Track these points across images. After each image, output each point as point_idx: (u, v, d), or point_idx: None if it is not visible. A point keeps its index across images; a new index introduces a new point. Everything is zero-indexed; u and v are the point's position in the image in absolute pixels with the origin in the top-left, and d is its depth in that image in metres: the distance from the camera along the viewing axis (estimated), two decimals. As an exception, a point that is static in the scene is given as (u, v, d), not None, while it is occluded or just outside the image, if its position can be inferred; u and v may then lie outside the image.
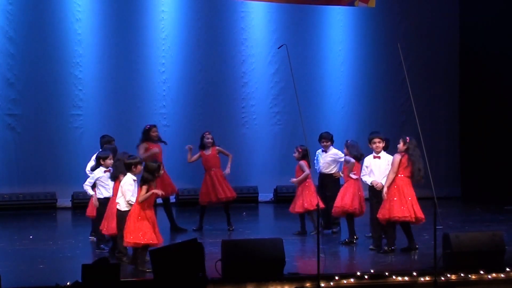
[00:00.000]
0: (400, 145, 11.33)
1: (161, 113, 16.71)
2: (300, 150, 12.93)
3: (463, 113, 18.14)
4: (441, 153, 17.95)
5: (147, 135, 13.18)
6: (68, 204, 16.08)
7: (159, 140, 13.25)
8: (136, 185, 10.37)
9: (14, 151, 16.04)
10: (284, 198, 17.07)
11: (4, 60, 15.93)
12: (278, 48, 14.27)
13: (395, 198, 11.15)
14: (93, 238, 12.22)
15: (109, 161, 11.44)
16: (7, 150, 16.01)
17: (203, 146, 13.33)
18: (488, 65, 17.40)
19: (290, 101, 16.80)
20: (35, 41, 16.02)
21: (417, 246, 11.28)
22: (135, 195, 10.28)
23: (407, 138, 11.36)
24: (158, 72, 16.71)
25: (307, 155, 12.78)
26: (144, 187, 10.06)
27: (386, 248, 11.21)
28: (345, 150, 12.42)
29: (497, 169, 17.18)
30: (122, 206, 10.46)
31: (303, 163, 12.86)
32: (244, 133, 17.18)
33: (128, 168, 10.49)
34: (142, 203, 10.05)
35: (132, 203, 10.25)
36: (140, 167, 10.46)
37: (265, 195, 17.20)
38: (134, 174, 10.47)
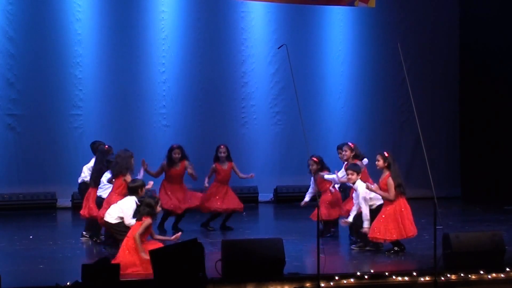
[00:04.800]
0: (380, 162, 11.21)
1: (161, 113, 16.71)
2: (316, 160, 12.60)
3: (463, 113, 18.14)
4: (441, 153, 17.95)
5: (169, 156, 13.18)
6: (68, 204, 16.08)
7: (180, 159, 13.15)
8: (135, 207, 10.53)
9: (14, 151, 16.04)
10: (284, 198, 17.10)
11: (4, 60, 15.92)
12: (278, 48, 14.26)
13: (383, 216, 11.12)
14: (86, 238, 12.27)
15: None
16: (7, 150, 16.01)
17: (217, 159, 13.36)
18: (488, 64, 17.40)
19: (290, 101, 16.80)
20: (35, 41, 16.02)
21: (403, 247, 11.24)
22: (133, 217, 10.40)
23: (385, 153, 11.25)
24: (158, 72, 16.70)
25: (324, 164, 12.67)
26: (146, 222, 10.04)
27: (396, 248, 11.20)
28: (348, 153, 12.31)
29: (497, 169, 17.19)
30: (113, 218, 10.56)
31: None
32: (244, 133, 17.18)
33: (134, 192, 10.58)
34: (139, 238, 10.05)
35: (131, 225, 10.31)
36: (144, 189, 10.73)
37: (265, 195, 17.20)
38: (139, 197, 10.61)
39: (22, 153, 16.06)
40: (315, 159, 12.58)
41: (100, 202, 11.77)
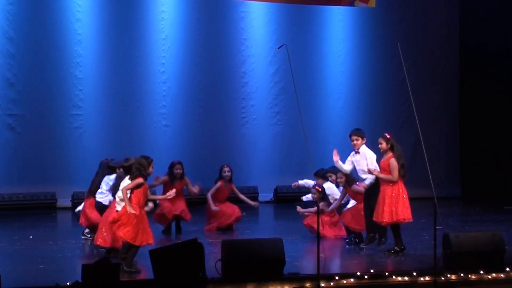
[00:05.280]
0: (383, 145, 11.19)
1: (161, 113, 16.71)
2: (319, 189, 12.49)
3: (463, 113, 18.14)
4: (441, 153, 17.96)
5: (170, 171, 13.15)
6: (68, 204, 16.07)
7: (181, 177, 13.13)
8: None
9: (14, 151, 16.03)
10: (284, 198, 17.09)
11: (4, 60, 15.91)
12: (278, 48, 14.28)
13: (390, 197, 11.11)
14: (86, 237, 12.27)
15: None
16: (7, 150, 16.00)
17: (220, 178, 13.36)
18: (488, 64, 17.41)
19: (290, 101, 16.80)
20: (35, 41, 16.02)
21: (403, 247, 11.24)
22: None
23: (387, 135, 11.24)
24: (158, 72, 16.70)
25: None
26: (136, 181, 9.98)
27: (396, 248, 11.20)
28: (344, 179, 12.27)
29: (497, 169, 17.19)
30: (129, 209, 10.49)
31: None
32: (244, 133, 17.17)
33: (128, 171, 10.53)
34: (135, 204, 9.99)
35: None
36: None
37: (265, 195, 17.19)
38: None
39: (22, 153, 16.05)
40: (318, 188, 12.52)
41: (100, 208, 11.72)
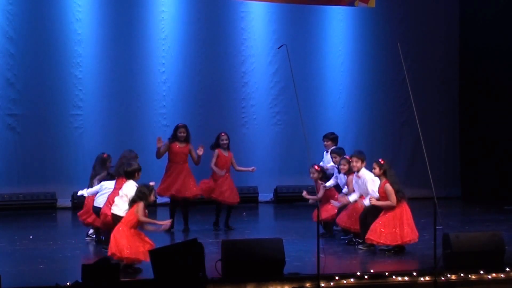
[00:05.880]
0: (376, 170, 11.25)
1: (161, 113, 16.71)
2: (318, 168, 12.64)
3: (463, 113, 18.14)
4: (441, 153, 17.96)
5: (174, 134, 13.23)
6: (68, 204, 16.08)
7: (185, 140, 13.18)
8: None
9: (14, 151, 16.03)
10: (284, 198, 17.11)
11: (4, 60, 15.92)
12: (278, 48, 14.27)
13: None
14: (91, 237, 12.25)
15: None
16: (7, 150, 16.01)
17: (217, 146, 13.32)
18: (488, 64, 17.41)
19: (290, 101, 16.81)
20: (35, 41, 16.02)
21: (403, 247, 11.24)
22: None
23: (381, 160, 11.28)
24: (158, 72, 16.70)
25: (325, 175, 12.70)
26: (140, 206, 9.97)
27: (396, 248, 11.20)
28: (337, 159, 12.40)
29: (497, 169, 17.20)
30: (121, 211, 10.36)
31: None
32: (244, 133, 17.18)
33: (131, 176, 10.48)
34: (135, 222, 9.97)
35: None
36: (140, 173, 10.54)
37: (265, 195, 17.20)
38: (136, 181, 10.47)
39: (22, 153, 16.05)
40: (316, 167, 12.56)
41: (97, 212, 11.62)
